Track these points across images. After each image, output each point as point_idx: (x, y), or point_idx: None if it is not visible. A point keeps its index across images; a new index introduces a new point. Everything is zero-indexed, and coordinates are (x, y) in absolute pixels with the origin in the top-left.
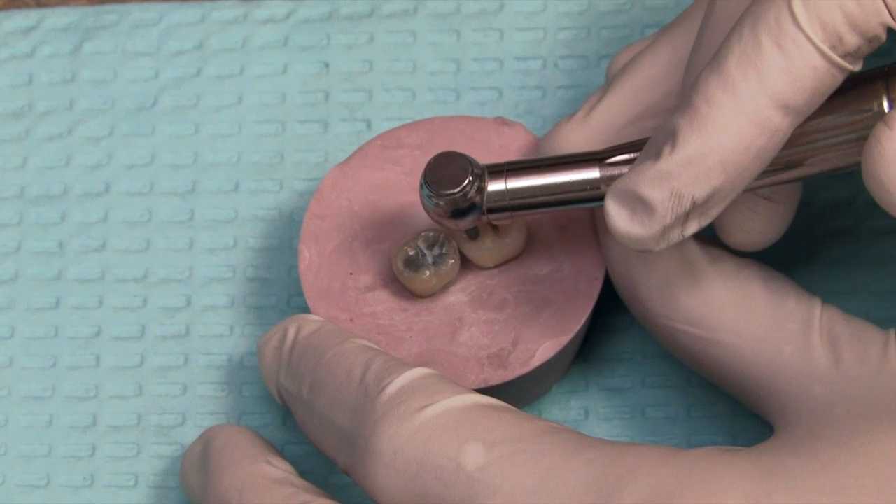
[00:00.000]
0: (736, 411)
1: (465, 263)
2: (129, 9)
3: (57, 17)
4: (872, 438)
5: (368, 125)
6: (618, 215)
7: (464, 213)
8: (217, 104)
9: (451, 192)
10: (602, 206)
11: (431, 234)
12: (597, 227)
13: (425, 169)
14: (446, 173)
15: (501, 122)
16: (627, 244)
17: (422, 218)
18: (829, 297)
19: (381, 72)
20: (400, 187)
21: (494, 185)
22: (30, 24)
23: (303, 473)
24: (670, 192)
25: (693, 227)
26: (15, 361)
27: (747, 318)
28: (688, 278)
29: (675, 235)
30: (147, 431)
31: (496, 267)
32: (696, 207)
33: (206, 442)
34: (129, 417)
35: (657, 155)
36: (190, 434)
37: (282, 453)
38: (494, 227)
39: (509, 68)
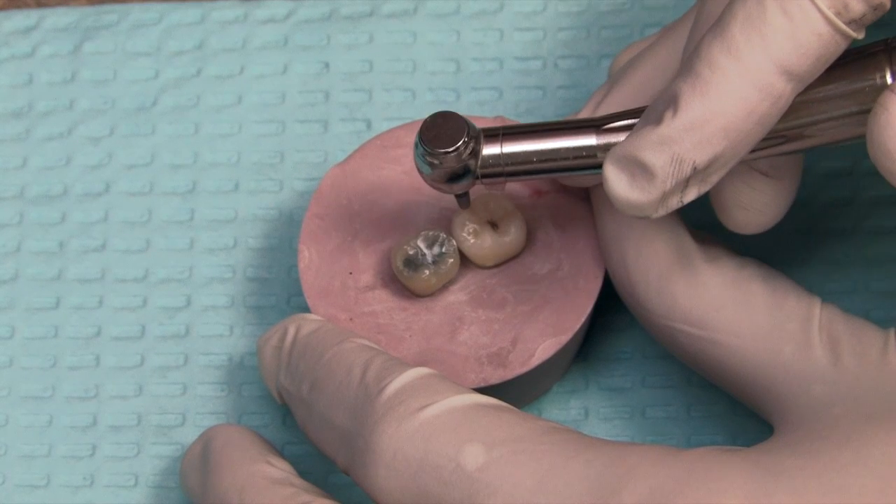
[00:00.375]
0: (736, 411)
1: (465, 262)
2: (129, 9)
3: (57, 17)
4: (873, 438)
5: (368, 125)
6: (617, 180)
7: (458, 176)
8: (217, 104)
9: (446, 150)
10: (597, 185)
11: (431, 233)
12: (596, 226)
13: (421, 127)
14: (442, 132)
15: (502, 121)
16: (626, 210)
17: (422, 217)
18: (829, 297)
19: (381, 72)
20: (399, 187)
21: (489, 149)
22: (30, 24)
23: (302, 473)
24: (671, 158)
25: (692, 194)
26: (15, 361)
27: (747, 318)
28: (686, 278)
29: (675, 202)
30: (147, 431)
31: (496, 266)
32: (697, 173)
33: (205, 442)
34: (129, 417)
35: (658, 120)
36: (190, 434)
37: (282, 453)
38: (494, 226)
39: (509, 68)
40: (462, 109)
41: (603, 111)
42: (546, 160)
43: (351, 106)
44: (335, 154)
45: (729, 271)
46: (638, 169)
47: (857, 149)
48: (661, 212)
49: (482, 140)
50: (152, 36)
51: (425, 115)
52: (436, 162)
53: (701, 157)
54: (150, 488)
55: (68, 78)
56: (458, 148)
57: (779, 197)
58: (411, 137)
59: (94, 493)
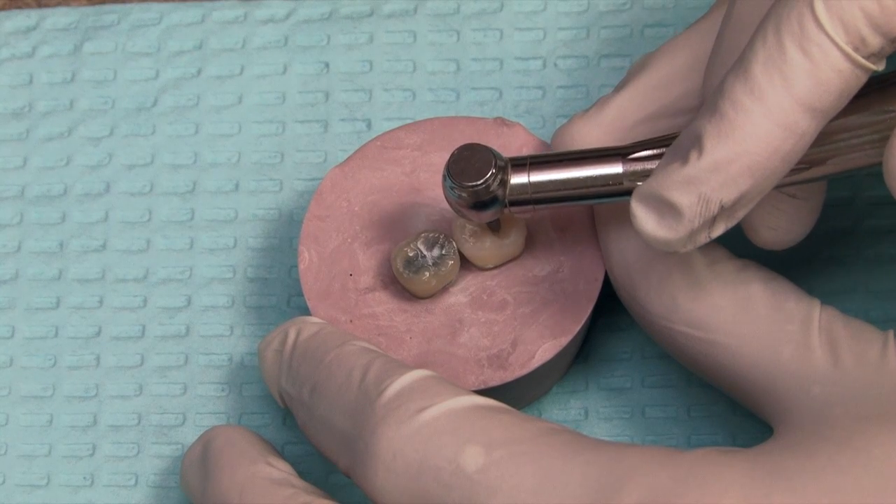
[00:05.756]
0: (736, 411)
1: (465, 264)
2: (129, 9)
3: (57, 17)
4: (872, 439)
5: (368, 125)
6: (645, 218)
7: (486, 205)
8: (217, 104)
9: (474, 184)
10: (616, 204)
11: (431, 234)
12: (597, 227)
13: (449, 160)
14: (470, 165)
15: (501, 122)
16: (654, 245)
17: (422, 218)
18: (828, 297)
19: (381, 72)
20: (400, 188)
21: (517, 179)
22: (30, 24)
23: (302, 473)
24: (698, 197)
25: (720, 229)
26: (15, 361)
27: (746, 320)
28: (687, 280)
29: (703, 238)
30: (147, 431)
31: (496, 268)
32: (724, 210)
33: (206, 442)
34: (129, 417)
35: (684, 159)
36: (190, 434)
37: (282, 453)
38: (494, 229)
39: (509, 68)
40: (462, 110)
41: (611, 111)
42: (573, 188)
43: (351, 106)
44: (335, 154)
45: (729, 273)
46: (666, 208)
47: None
48: (689, 247)
49: (510, 170)
50: (152, 36)
51: (425, 115)
52: (464, 194)
53: (727, 196)
54: (150, 488)
55: (68, 78)
56: (486, 180)
57: (805, 216)
58: (411, 138)
59: (94, 492)
